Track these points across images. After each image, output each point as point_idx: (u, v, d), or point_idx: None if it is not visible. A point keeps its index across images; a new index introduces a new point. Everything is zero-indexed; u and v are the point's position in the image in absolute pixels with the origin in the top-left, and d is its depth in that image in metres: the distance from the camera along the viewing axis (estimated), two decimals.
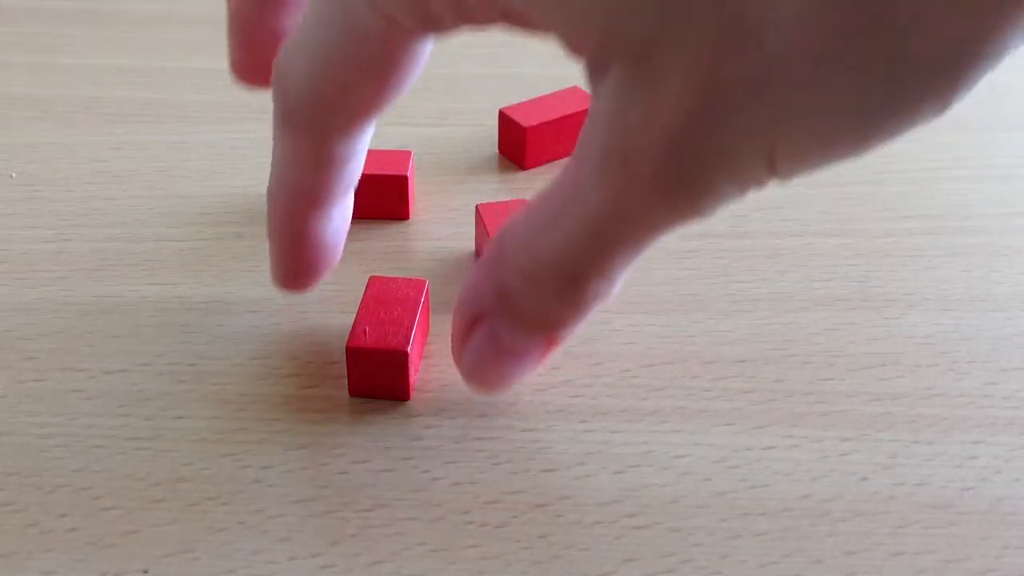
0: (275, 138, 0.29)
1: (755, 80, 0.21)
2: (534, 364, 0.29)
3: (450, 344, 0.30)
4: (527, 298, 0.26)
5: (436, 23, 0.25)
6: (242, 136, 0.46)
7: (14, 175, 0.44)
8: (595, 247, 0.25)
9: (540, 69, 0.52)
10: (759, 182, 0.24)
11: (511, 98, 0.47)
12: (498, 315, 0.27)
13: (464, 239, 0.40)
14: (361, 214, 0.41)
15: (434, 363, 0.35)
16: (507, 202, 0.39)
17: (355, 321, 0.33)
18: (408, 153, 0.41)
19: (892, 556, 0.29)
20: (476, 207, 0.38)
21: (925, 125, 0.23)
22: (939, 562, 0.29)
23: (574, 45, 0.24)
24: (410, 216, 0.41)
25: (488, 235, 0.37)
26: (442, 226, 0.41)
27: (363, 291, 0.35)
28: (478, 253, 0.39)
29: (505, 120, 0.44)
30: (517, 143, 0.44)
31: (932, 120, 0.23)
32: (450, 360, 0.35)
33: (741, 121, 0.22)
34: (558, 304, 0.26)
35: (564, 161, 0.45)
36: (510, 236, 0.27)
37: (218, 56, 0.53)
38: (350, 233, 0.41)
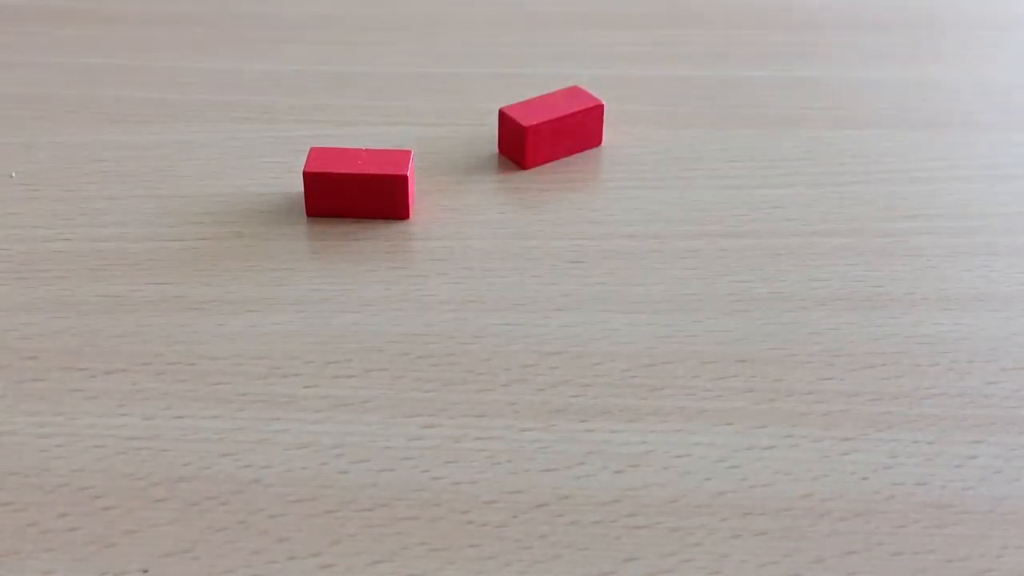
0: None
1: None
2: None
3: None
4: None
5: None
6: (242, 136, 0.46)
7: (14, 175, 0.44)
8: None
9: (540, 69, 0.52)
10: None
11: (511, 98, 0.47)
12: None
13: (464, 239, 0.40)
14: (361, 214, 0.41)
15: (435, 363, 0.35)
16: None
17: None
18: (408, 153, 0.41)
19: (892, 556, 0.29)
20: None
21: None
22: (939, 562, 0.29)
23: None
24: (410, 216, 0.41)
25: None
26: (442, 226, 0.41)
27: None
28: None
29: (505, 120, 0.44)
30: (517, 143, 0.44)
31: None
32: (451, 360, 0.35)
33: None
34: None
35: (564, 161, 0.45)
36: None
37: (218, 56, 0.53)
38: (350, 233, 0.41)
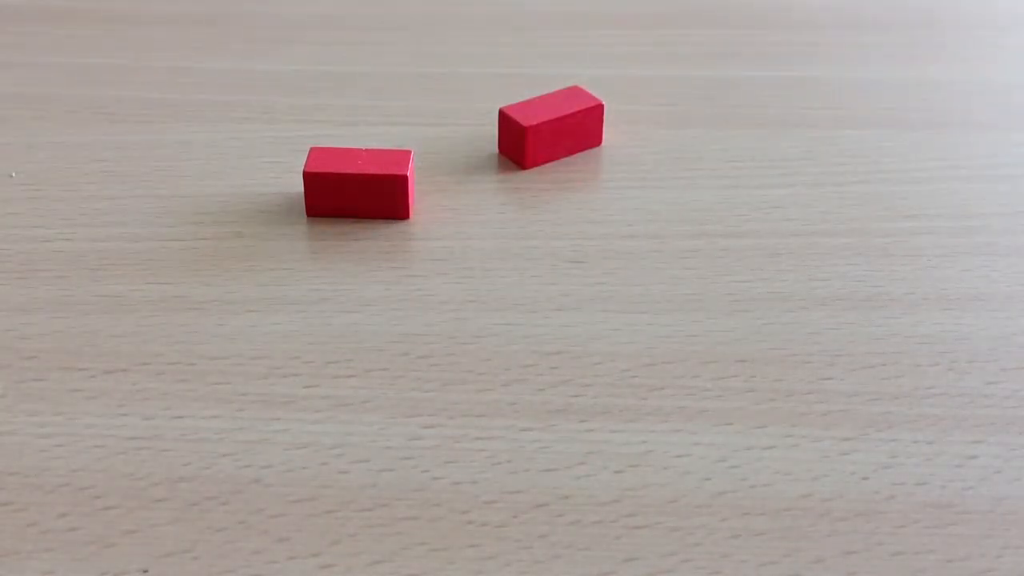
0: None
1: None
2: None
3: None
4: None
5: None
6: (242, 136, 0.46)
7: (14, 175, 0.44)
8: None
9: (540, 69, 0.52)
10: None
11: (511, 98, 0.47)
12: None
13: (464, 239, 0.40)
14: (361, 214, 0.41)
15: (435, 363, 0.35)
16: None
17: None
18: (408, 153, 0.41)
19: (892, 556, 0.29)
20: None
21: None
22: (939, 562, 0.29)
23: None
24: (410, 216, 0.41)
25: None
26: (442, 226, 0.41)
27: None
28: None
29: (505, 120, 0.44)
30: (517, 143, 0.44)
31: None
32: (451, 360, 0.35)
33: None
34: None
35: (564, 161, 0.45)
36: None
37: (218, 56, 0.53)
38: (350, 233, 0.41)
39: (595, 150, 0.46)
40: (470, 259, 0.39)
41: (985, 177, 0.44)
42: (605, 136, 0.46)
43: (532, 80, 0.50)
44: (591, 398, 0.34)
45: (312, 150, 0.41)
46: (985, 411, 0.34)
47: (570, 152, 0.45)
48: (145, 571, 0.29)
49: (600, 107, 0.45)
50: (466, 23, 0.56)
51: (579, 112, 0.44)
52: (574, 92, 0.45)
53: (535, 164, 0.44)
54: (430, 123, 0.47)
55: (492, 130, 0.46)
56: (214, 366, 0.35)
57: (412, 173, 0.41)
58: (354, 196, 0.41)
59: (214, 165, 0.44)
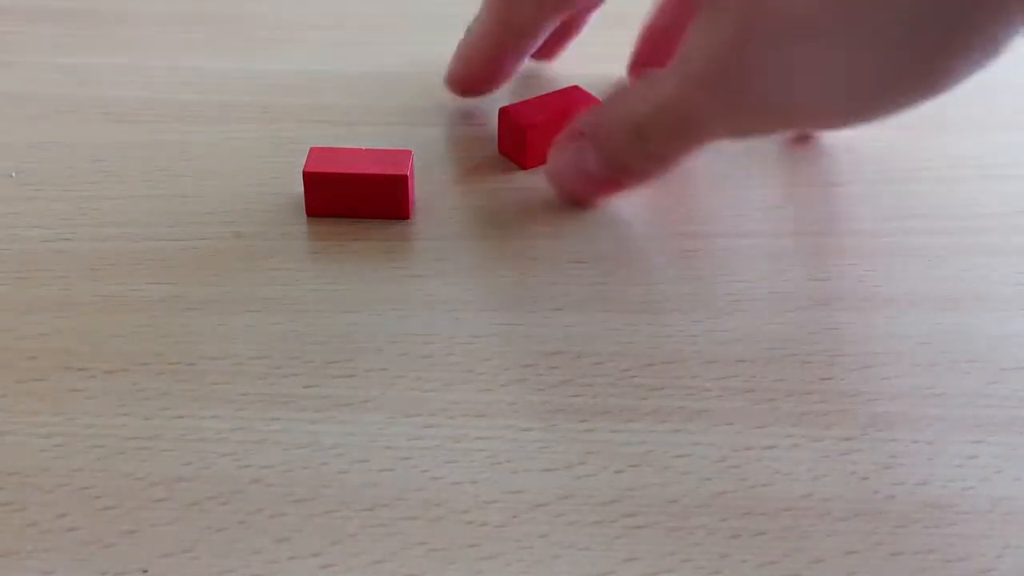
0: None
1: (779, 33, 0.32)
2: (596, 192, 0.41)
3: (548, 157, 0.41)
4: (608, 138, 0.38)
5: None
6: (242, 136, 0.46)
7: (14, 175, 0.44)
8: (656, 123, 0.37)
9: (540, 69, 0.52)
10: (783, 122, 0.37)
11: (511, 98, 0.47)
12: (589, 140, 0.39)
13: (464, 239, 0.40)
14: (361, 214, 0.41)
15: (435, 363, 0.35)
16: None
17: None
18: (408, 153, 0.41)
19: (892, 556, 0.29)
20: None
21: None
22: (939, 562, 0.29)
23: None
24: (410, 216, 0.41)
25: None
26: (442, 226, 0.41)
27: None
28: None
29: (505, 119, 0.44)
30: (517, 142, 0.44)
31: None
32: (451, 360, 0.35)
33: (767, 60, 0.33)
34: (627, 151, 0.38)
35: None
36: (610, 98, 0.40)
37: (218, 56, 0.53)
38: (350, 233, 0.41)
39: None
40: (470, 259, 0.39)
41: (985, 177, 0.44)
42: None
43: (532, 80, 0.50)
44: (591, 398, 0.34)
45: (312, 150, 0.41)
46: (985, 411, 0.34)
47: None
48: (145, 571, 0.29)
49: None
50: (466, 23, 0.56)
51: (579, 112, 0.44)
52: (574, 92, 0.45)
53: (535, 164, 0.44)
54: (430, 123, 0.47)
55: (492, 130, 0.46)
56: (214, 366, 0.35)
57: (412, 173, 0.41)
58: (354, 196, 0.41)
59: (214, 165, 0.44)
